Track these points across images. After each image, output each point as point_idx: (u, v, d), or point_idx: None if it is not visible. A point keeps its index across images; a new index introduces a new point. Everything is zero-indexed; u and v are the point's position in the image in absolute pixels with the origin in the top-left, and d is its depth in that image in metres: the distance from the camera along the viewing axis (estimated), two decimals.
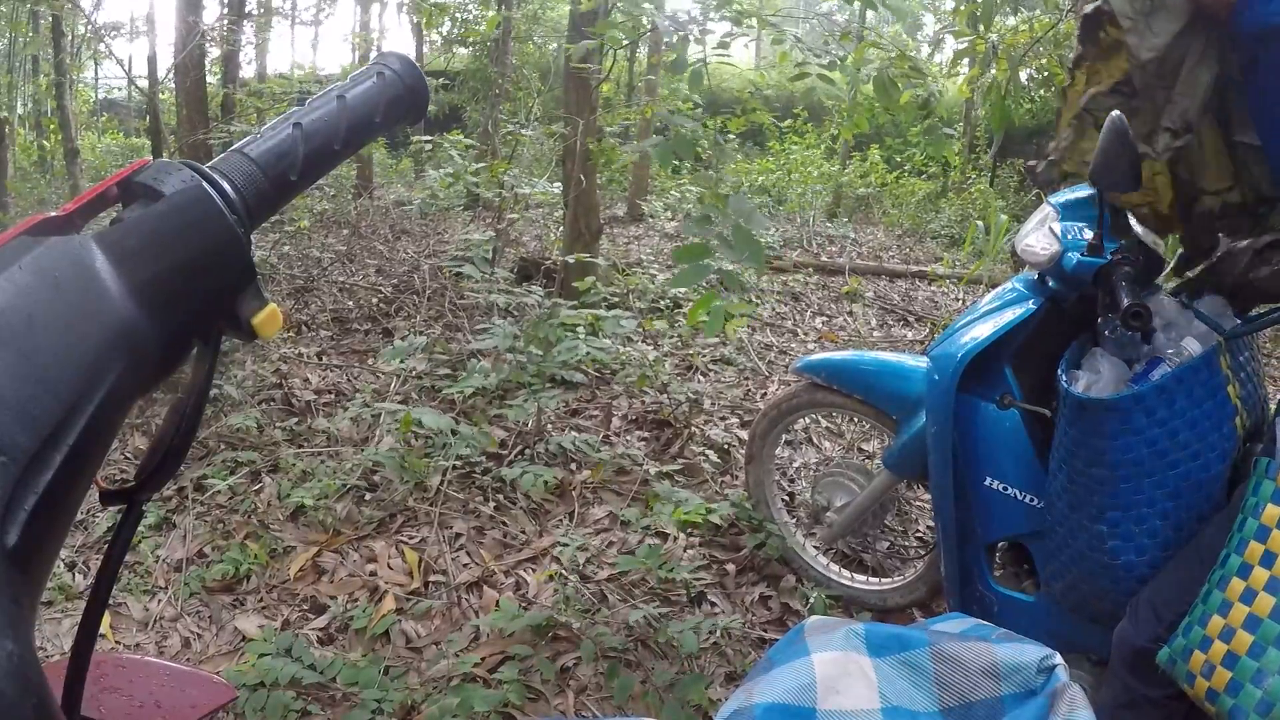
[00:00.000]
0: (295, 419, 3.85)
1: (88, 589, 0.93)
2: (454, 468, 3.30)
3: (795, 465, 3.47)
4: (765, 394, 4.43)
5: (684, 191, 10.63)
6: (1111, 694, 1.74)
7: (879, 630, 0.63)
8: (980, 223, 8.16)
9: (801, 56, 3.41)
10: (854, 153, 12.44)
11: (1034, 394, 2.14)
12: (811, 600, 2.71)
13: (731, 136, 5.70)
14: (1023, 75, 7.91)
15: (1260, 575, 1.47)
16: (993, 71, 5.29)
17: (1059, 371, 1.90)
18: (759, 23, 2.55)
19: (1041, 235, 2.06)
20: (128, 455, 3.42)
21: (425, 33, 10.67)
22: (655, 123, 5.63)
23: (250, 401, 3.94)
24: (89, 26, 9.05)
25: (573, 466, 3.48)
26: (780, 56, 3.29)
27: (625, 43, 3.28)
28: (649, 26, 3.25)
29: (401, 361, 4.22)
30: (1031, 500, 2.10)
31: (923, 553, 2.95)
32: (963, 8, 4.76)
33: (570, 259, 4.77)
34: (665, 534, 3.02)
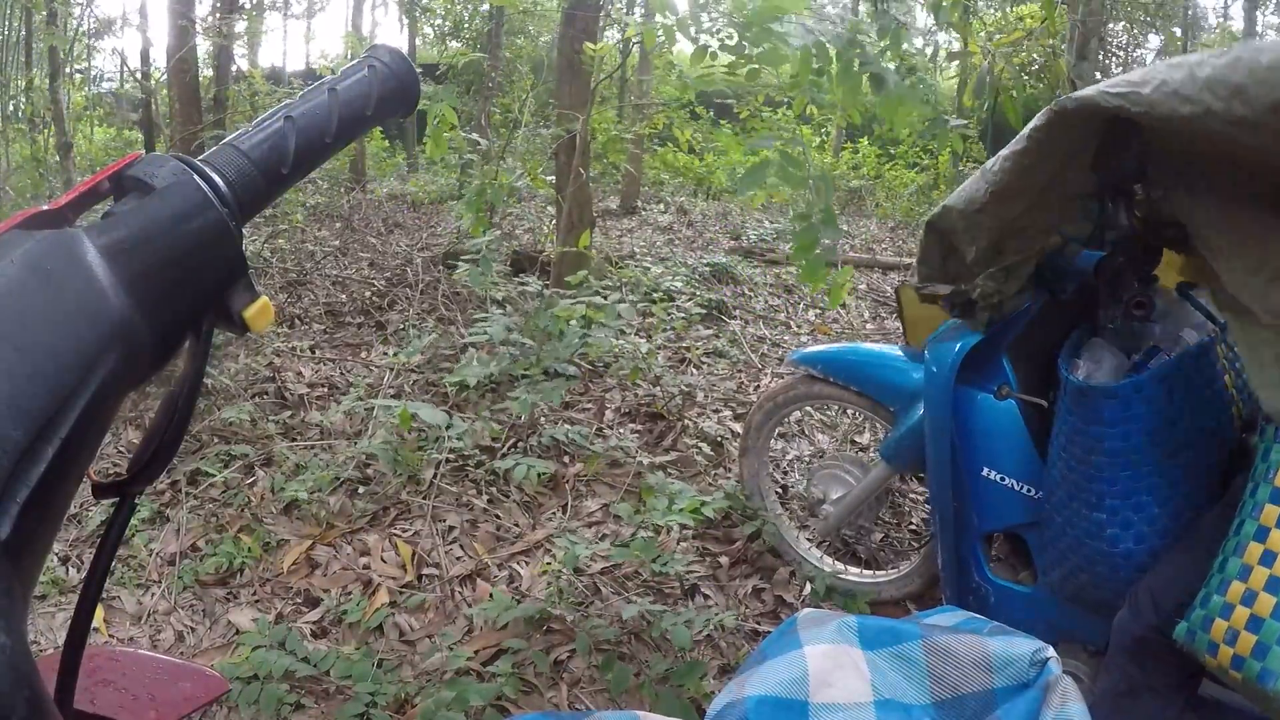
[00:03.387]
0: (288, 412, 3.84)
1: (81, 582, 0.93)
2: (447, 461, 3.29)
3: (789, 458, 3.48)
4: (759, 386, 4.43)
5: (688, 165, 10.62)
6: (1111, 683, 1.75)
7: (871, 623, 0.63)
8: None
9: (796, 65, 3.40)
10: (845, 143, 12.44)
11: (1031, 385, 2.15)
12: (807, 592, 2.71)
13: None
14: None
15: (1278, 538, 1.45)
16: (984, 62, 5.29)
17: (1059, 360, 1.91)
18: (759, 34, 2.55)
19: None
20: (121, 449, 3.42)
21: (417, 26, 10.66)
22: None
23: (243, 395, 3.93)
24: (86, 19, 9.01)
25: (566, 459, 3.48)
26: (775, 56, 3.28)
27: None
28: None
29: (395, 354, 4.22)
30: (1028, 491, 2.10)
31: (917, 545, 2.95)
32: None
33: (568, 249, 4.76)
34: (659, 527, 3.03)
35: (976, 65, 5.86)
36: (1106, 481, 1.78)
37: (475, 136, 4.70)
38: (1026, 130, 1.72)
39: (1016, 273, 1.90)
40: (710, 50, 2.75)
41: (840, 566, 2.85)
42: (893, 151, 12.95)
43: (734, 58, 2.77)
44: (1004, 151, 1.80)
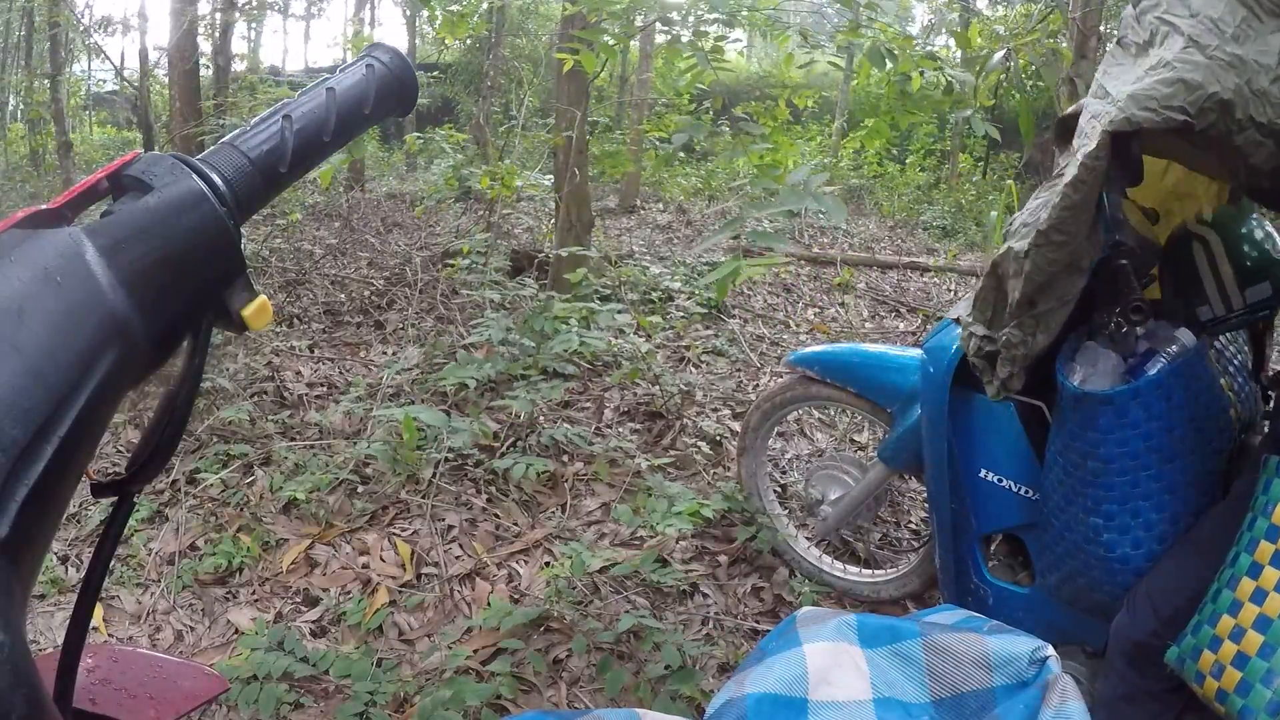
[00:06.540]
0: (287, 412, 3.84)
1: (80, 582, 0.93)
2: (446, 460, 3.29)
3: (788, 457, 3.47)
4: (757, 385, 4.43)
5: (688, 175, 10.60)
6: (1110, 686, 1.75)
7: (871, 621, 0.63)
8: (994, 214, 8.14)
9: (807, 52, 3.39)
10: (848, 140, 12.44)
11: (1029, 386, 2.15)
12: (802, 595, 2.71)
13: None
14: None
15: (1271, 575, 1.45)
16: (998, 56, 5.26)
17: (1055, 364, 1.90)
18: (761, 20, 2.56)
19: None
20: (120, 448, 3.41)
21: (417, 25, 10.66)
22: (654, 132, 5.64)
23: (242, 394, 3.93)
24: (83, 20, 9.01)
25: (565, 458, 3.48)
26: (786, 59, 3.29)
27: (615, 46, 3.26)
28: (641, 26, 3.25)
29: (391, 364, 4.22)
30: (1026, 492, 2.10)
31: (916, 545, 2.95)
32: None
33: (563, 252, 4.76)
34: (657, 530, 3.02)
35: (984, 56, 5.82)
36: (1103, 487, 1.78)
37: (465, 136, 4.72)
38: (1080, 161, 1.66)
39: (1046, 323, 1.86)
40: (687, 41, 2.73)
41: (839, 566, 2.85)
42: (894, 153, 12.94)
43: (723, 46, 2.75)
44: (1059, 186, 1.74)
